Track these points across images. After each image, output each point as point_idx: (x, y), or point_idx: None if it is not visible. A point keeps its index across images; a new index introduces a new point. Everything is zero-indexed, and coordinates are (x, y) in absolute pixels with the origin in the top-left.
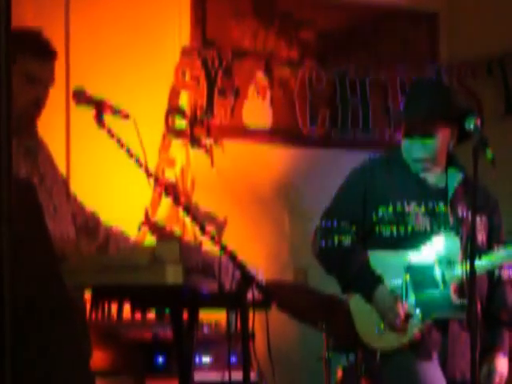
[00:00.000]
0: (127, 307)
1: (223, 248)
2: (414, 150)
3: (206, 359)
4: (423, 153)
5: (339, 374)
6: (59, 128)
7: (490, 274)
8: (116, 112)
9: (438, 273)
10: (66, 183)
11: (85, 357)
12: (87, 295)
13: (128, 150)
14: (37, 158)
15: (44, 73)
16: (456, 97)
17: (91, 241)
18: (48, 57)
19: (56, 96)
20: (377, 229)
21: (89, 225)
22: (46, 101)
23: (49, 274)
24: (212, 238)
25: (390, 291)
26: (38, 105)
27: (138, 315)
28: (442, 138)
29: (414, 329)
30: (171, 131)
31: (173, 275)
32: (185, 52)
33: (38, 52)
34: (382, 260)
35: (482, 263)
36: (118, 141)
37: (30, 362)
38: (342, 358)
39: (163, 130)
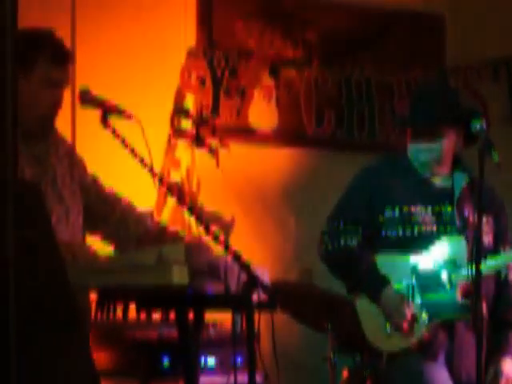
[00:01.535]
0: (133, 308)
1: (229, 249)
2: (420, 154)
3: (212, 360)
4: (430, 156)
5: (344, 375)
6: (65, 128)
7: (497, 275)
8: (121, 113)
9: (444, 274)
10: (81, 176)
11: (90, 357)
12: (93, 296)
13: (133, 151)
14: (47, 161)
15: (63, 76)
16: (462, 99)
17: (106, 221)
18: (66, 60)
19: None
20: (383, 231)
21: (102, 207)
22: (62, 102)
23: (54, 276)
24: (217, 239)
25: (397, 293)
26: (57, 107)
27: (143, 316)
28: (448, 141)
29: (421, 330)
30: (177, 132)
31: (178, 276)
32: (190, 53)
33: (58, 56)
34: (388, 262)
35: (488, 264)
36: (123, 142)
37: (35, 363)
38: (347, 359)
39: (169, 131)
